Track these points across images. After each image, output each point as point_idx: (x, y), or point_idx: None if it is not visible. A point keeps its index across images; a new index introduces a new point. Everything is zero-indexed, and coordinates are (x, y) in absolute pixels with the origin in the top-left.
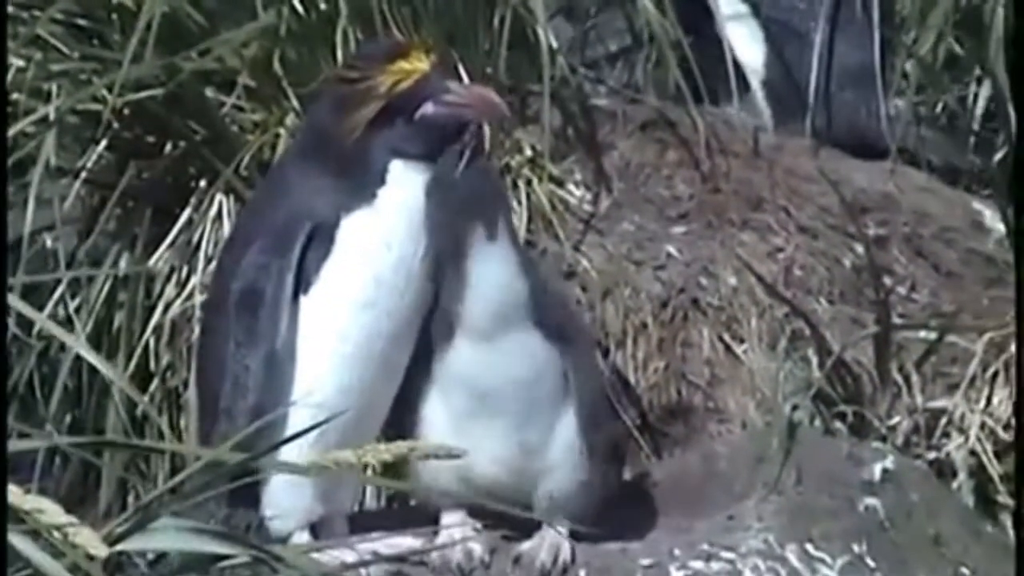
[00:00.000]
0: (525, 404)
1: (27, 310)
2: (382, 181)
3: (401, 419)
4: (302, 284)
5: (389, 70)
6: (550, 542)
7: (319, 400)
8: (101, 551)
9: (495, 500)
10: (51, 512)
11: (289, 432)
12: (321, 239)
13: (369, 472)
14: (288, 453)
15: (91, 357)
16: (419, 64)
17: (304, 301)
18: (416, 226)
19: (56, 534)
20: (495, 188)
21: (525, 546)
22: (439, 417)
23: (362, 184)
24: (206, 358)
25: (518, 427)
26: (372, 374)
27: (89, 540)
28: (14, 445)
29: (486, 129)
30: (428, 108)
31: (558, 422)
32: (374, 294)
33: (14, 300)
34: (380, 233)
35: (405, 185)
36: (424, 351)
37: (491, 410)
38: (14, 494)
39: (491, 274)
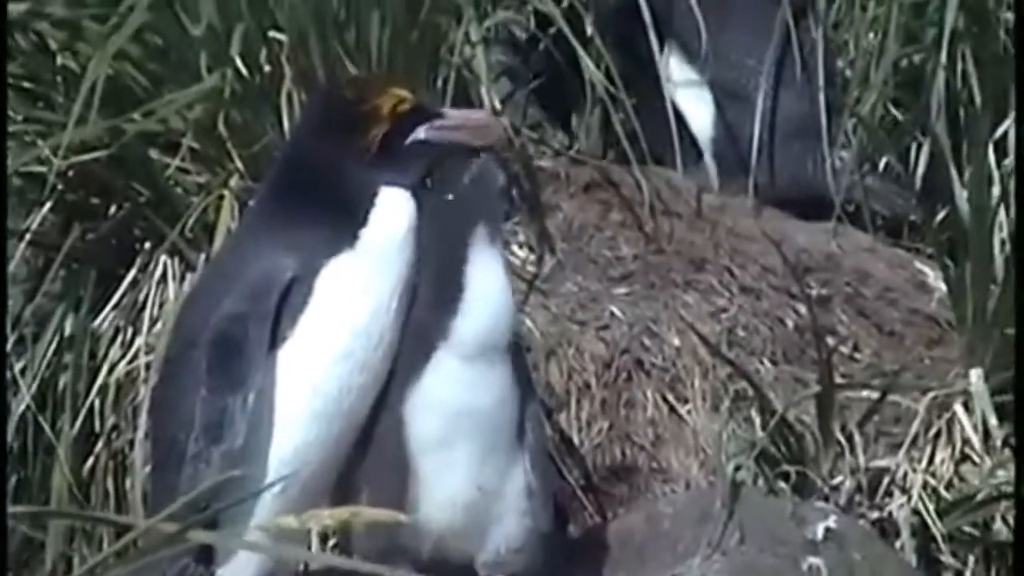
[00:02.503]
0: (488, 435)
1: None
2: (365, 220)
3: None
4: (278, 337)
5: (388, 93)
6: None
7: (283, 456)
8: None
9: (440, 555)
10: None
11: (257, 486)
12: (299, 290)
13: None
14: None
15: None
16: (408, 93)
17: (279, 354)
18: (394, 268)
19: None
20: (494, 195)
21: None
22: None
23: (346, 224)
24: (166, 409)
25: (479, 462)
26: (338, 428)
27: None
28: None
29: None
30: (423, 133)
31: (512, 466)
32: (351, 345)
33: None
34: (358, 279)
35: (390, 217)
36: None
37: (462, 436)
38: None
39: (491, 280)
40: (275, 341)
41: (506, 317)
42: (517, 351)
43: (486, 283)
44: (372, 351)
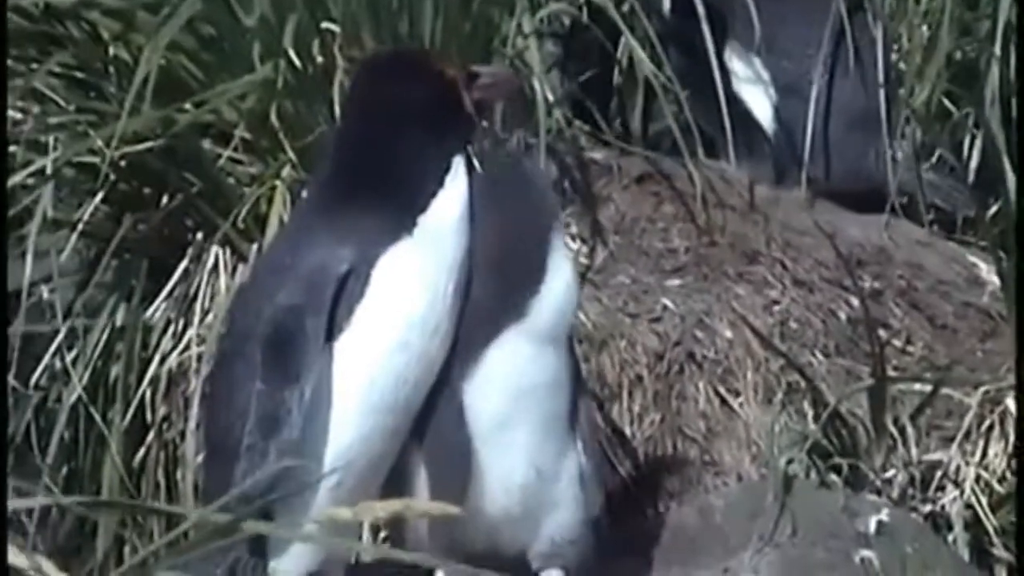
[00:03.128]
0: (546, 417)
1: None
2: (424, 207)
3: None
4: (334, 329)
5: (449, 65)
6: None
7: (339, 448)
8: None
9: (495, 545)
10: (47, 569)
11: (312, 478)
12: (355, 281)
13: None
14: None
15: None
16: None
17: (335, 346)
18: (451, 256)
19: None
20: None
21: None
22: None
23: (405, 210)
24: (220, 402)
25: (538, 444)
26: (394, 420)
27: None
28: (12, 504)
29: None
30: (476, 94)
31: (567, 452)
32: (406, 335)
33: None
34: (415, 267)
35: (449, 203)
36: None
37: (520, 417)
38: (11, 552)
39: (568, 268)
40: (332, 333)
41: (576, 305)
42: (570, 339)
43: (565, 270)
44: (428, 341)
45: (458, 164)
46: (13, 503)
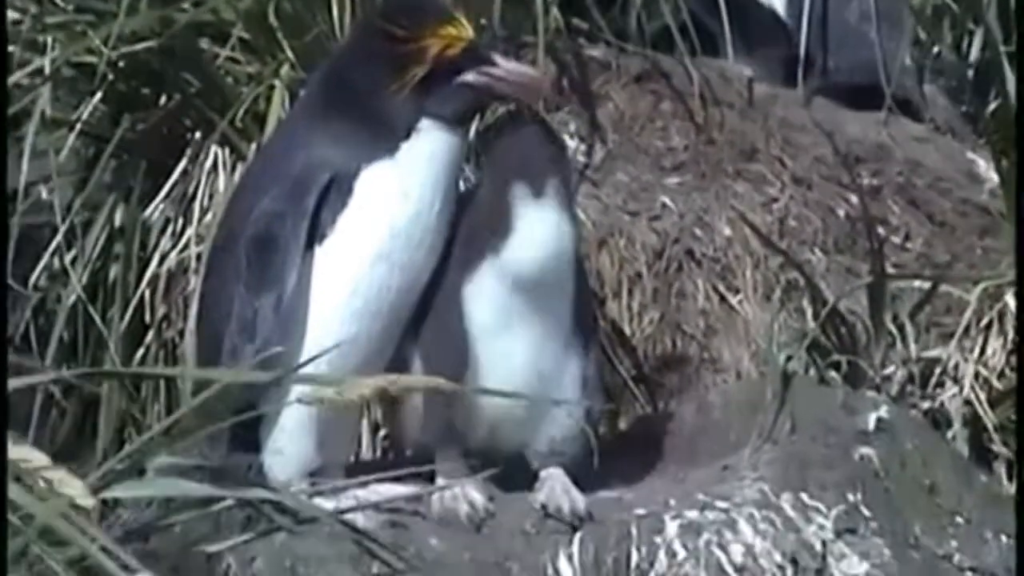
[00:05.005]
0: (545, 321)
1: None
2: (406, 136)
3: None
4: (317, 235)
5: (439, 34)
6: (564, 489)
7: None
8: (88, 501)
9: (495, 442)
10: (37, 460)
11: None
12: (339, 190)
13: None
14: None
15: None
16: (465, 32)
17: (318, 252)
18: (435, 178)
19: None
20: (546, 151)
21: (542, 495)
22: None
23: (386, 137)
24: (210, 302)
25: (538, 347)
26: (380, 327)
27: (76, 488)
28: (14, 383)
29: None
30: (470, 76)
31: (568, 353)
32: (389, 246)
33: None
34: (398, 184)
35: (430, 141)
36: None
37: (518, 322)
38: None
39: (538, 234)
40: (314, 239)
41: (553, 264)
42: (574, 234)
43: (531, 236)
44: (412, 252)
45: (431, 125)
46: (15, 382)
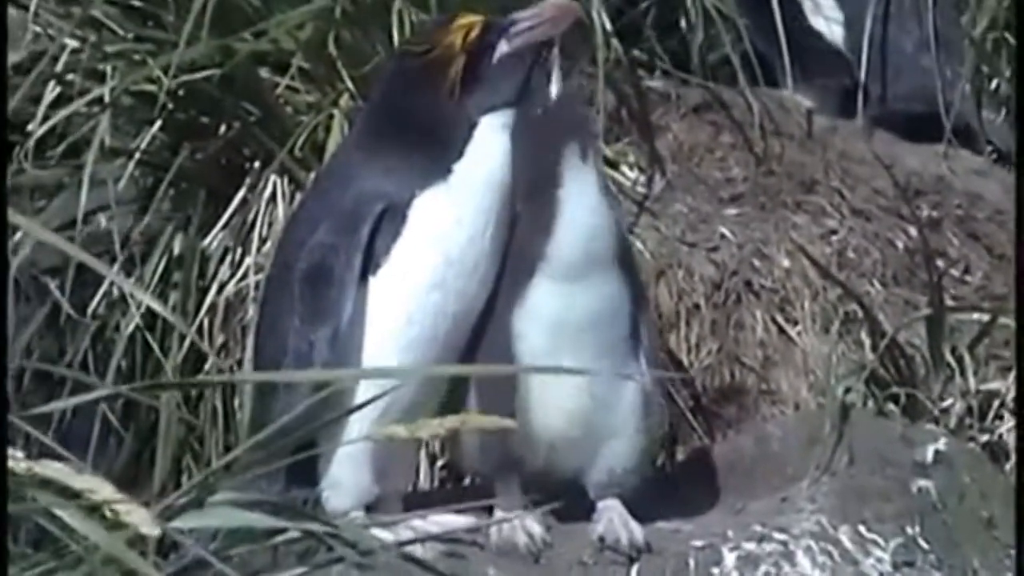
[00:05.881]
0: (600, 347)
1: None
2: (460, 154)
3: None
4: (371, 265)
5: (453, 29)
6: (622, 521)
7: (381, 382)
8: (152, 529)
9: (552, 469)
10: (103, 491)
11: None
12: (392, 219)
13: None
14: (350, 431)
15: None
16: (474, 16)
17: (372, 282)
18: (490, 200)
19: (108, 513)
20: (583, 112)
21: (600, 527)
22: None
23: (440, 158)
24: (266, 335)
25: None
26: (435, 355)
27: (141, 518)
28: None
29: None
30: (504, 47)
31: (625, 380)
32: (443, 274)
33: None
34: (452, 210)
35: (486, 151)
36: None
37: (569, 348)
38: (66, 473)
39: (585, 200)
40: (368, 269)
41: (602, 236)
42: (628, 263)
43: (579, 204)
44: (466, 280)
45: (489, 121)
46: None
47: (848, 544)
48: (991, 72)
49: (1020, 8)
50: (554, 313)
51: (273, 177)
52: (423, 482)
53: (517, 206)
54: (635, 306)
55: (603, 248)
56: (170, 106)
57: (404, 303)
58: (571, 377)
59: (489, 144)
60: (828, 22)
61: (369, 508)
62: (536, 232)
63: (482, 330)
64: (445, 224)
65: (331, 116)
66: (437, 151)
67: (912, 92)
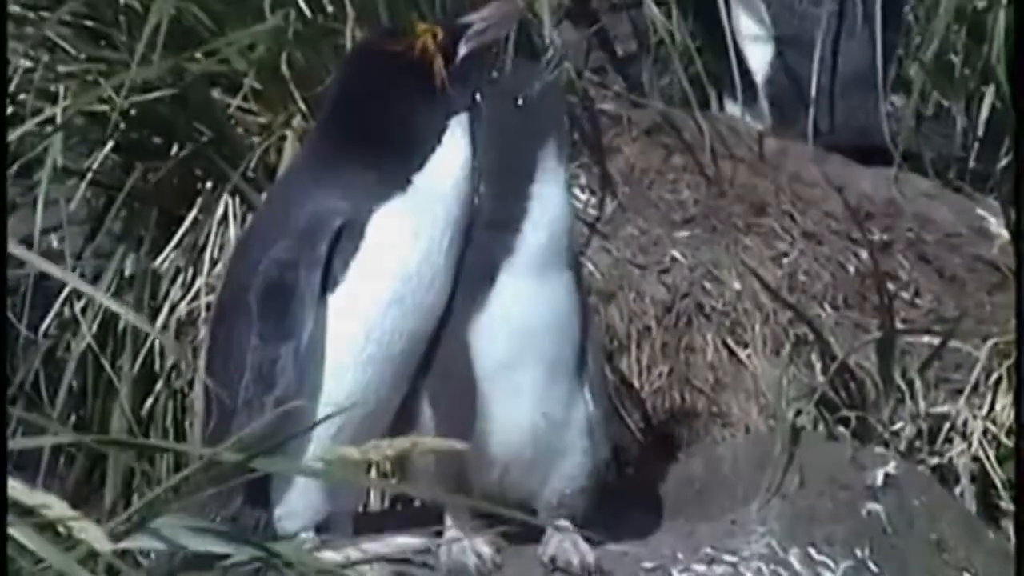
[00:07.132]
0: (551, 360)
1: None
2: (422, 163)
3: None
4: (329, 282)
5: (421, 31)
6: (573, 543)
7: (337, 401)
8: (105, 546)
9: (502, 491)
10: (57, 508)
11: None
12: (350, 235)
13: (373, 470)
14: (302, 452)
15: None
16: (429, 22)
17: (331, 299)
18: (447, 210)
19: (62, 529)
20: (564, 105)
21: (551, 549)
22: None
23: (399, 170)
24: (220, 355)
25: (544, 387)
26: (391, 372)
27: (94, 536)
28: (21, 443)
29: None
30: (463, 49)
31: (575, 398)
32: (402, 289)
33: None
34: (410, 223)
35: (449, 156)
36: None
37: (524, 357)
38: (19, 490)
39: (556, 195)
40: (327, 286)
41: (567, 233)
42: (578, 279)
43: (550, 198)
44: (424, 294)
45: (455, 125)
46: (21, 442)
47: (798, 566)
48: (942, 94)
49: (1019, 17)
50: (515, 317)
51: (225, 198)
52: (374, 503)
53: (479, 202)
54: (583, 325)
55: (566, 246)
56: (122, 126)
57: (362, 321)
58: (526, 393)
59: (453, 149)
60: (758, 49)
61: (319, 529)
62: (502, 227)
63: (437, 345)
64: (403, 238)
65: (283, 137)
66: (397, 161)
67: (858, 125)
